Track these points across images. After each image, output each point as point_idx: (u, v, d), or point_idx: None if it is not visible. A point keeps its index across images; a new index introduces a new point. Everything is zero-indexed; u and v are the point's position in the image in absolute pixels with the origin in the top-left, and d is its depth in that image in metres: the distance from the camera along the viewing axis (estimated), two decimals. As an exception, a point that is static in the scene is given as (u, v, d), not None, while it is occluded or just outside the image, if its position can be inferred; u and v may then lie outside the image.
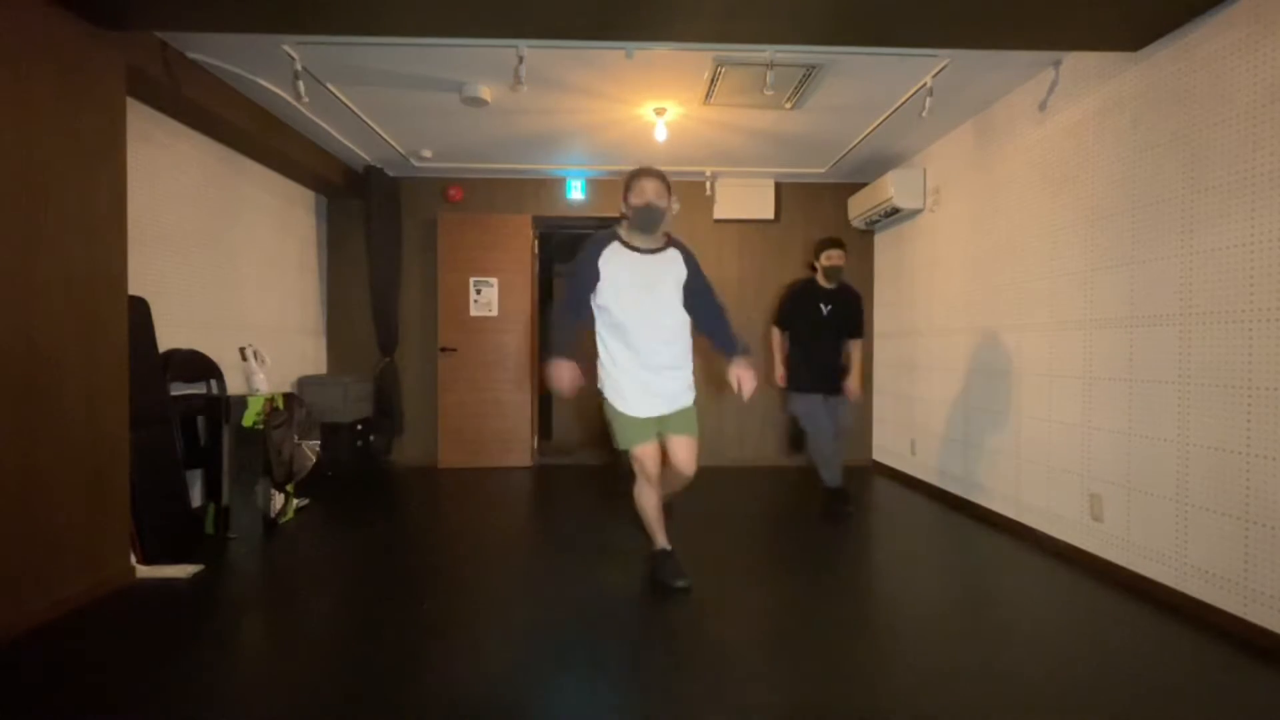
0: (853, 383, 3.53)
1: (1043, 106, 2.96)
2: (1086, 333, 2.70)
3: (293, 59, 2.82)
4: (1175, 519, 2.28)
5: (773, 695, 1.67)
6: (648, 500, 2.43)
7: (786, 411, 4.08)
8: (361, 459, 4.44)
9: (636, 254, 2.28)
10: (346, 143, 4.00)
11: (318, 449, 4.18)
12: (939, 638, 2.02)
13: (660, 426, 2.38)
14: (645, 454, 2.34)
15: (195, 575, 2.52)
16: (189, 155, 3.27)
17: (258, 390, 3.40)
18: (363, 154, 4.26)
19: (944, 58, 2.83)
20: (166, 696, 1.67)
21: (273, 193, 4.09)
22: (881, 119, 3.60)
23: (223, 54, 2.83)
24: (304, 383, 4.30)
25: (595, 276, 2.27)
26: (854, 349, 3.59)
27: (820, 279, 3.53)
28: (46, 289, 2.13)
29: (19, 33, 2.04)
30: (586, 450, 5.56)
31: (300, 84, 2.88)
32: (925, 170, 4.11)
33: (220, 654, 1.93)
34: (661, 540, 2.46)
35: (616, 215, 5.29)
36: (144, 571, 2.51)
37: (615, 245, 2.30)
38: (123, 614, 2.19)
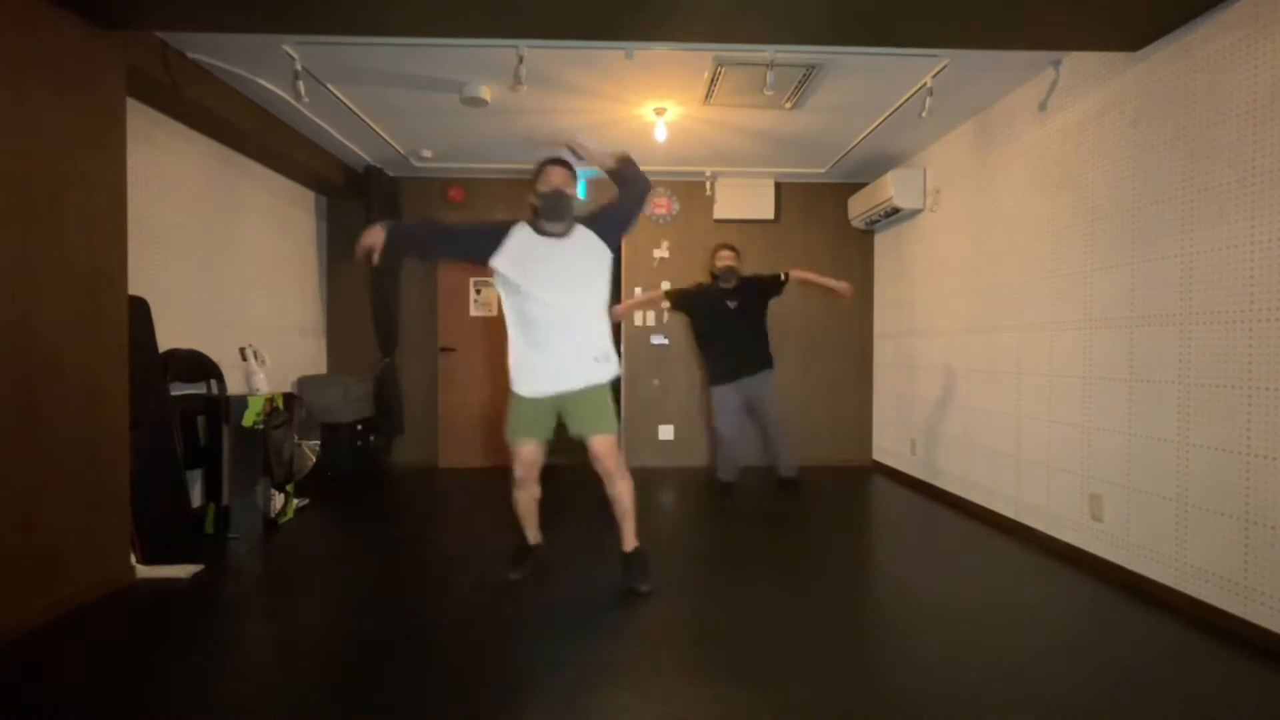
0: (835, 282, 3.61)
1: (1043, 106, 2.96)
2: (1086, 333, 2.70)
3: (293, 59, 2.82)
4: (1175, 519, 2.28)
5: (769, 694, 1.68)
6: (516, 497, 2.51)
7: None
8: (361, 459, 4.44)
9: (547, 237, 2.26)
10: (346, 143, 4.00)
11: (318, 449, 4.19)
12: (938, 638, 2.02)
13: (571, 427, 2.37)
14: (522, 453, 2.38)
15: (195, 575, 2.52)
16: (189, 155, 3.27)
17: (258, 390, 3.39)
18: (363, 154, 4.26)
19: (944, 58, 2.83)
20: (166, 697, 1.67)
21: (273, 193, 4.09)
22: (881, 119, 3.60)
23: (223, 54, 2.82)
24: (304, 383, 4.30)
25: (494, 242, 2.23)
26: (807, 274, 3.71)
27: (719, 281, 3.71)
28: (46, 289, 2.13)
29: (19, 32, 2.04)
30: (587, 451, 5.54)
31: (300, 84, 2.88)
32: (925, 170, 4.11)
33: (220, 654, 1.93)
34: (531, 535, 2.59)
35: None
36: (144, 571, 2.51)
37: (524, 226, 2.28)
38: (123, 614, 2.19)
